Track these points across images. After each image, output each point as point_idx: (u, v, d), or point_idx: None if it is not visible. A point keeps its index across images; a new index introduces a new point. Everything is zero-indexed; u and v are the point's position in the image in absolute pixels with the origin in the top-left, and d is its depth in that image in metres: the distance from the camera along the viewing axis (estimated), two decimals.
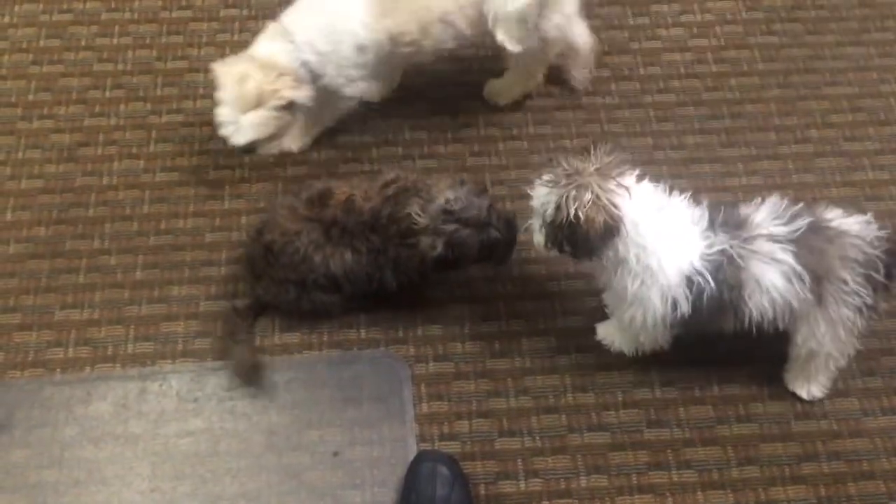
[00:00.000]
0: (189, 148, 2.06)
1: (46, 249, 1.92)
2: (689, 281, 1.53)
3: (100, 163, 2.04)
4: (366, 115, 2.09)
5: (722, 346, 1.74)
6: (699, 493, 1.68)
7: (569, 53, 2.06)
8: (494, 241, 1.71)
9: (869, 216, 1.56)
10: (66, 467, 1.68)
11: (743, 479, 1.69)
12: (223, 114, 1.80)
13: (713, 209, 1.56)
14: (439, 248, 1.66)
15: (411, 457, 1.67)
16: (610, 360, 1.80)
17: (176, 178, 2.02)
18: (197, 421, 1.73)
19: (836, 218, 1.55)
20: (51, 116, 2.11)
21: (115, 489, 1.66)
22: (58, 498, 1.65)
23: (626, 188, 1.49)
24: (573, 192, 1.47)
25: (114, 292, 1.87)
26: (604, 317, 1.80)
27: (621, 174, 1.50)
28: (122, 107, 2.13)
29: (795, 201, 1.57)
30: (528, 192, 1.57)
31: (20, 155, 2.05)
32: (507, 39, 1.87)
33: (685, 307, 1.54)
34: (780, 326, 1.59)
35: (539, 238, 1.58)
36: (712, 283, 1.52)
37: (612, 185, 1.48)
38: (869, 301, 1.53)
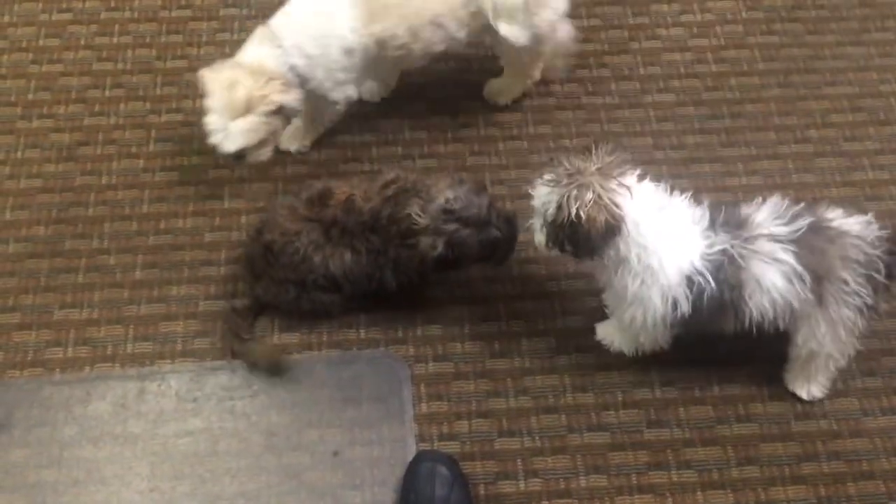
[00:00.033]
0: (188, 147, 2.06)
1: (45, 249, 1.92)
2: (690, 281, 1.52)
3: (99, 162, 2.04)
4: (366, 114, 2.09)
5: (722, 346, 1.74)
6: (699, 493, 1.68)
7: (555, 51, 2.06)
8: (495, 239, 1.70)
9: (870, 216, 1.56)
10: (66, 467, 1.68)
11: (743, 479, 1.69)
12: (212, 121, 1.78)
13: (714, 209, 1.56)
14: (440, 247, 1.66)
15: (411, 457, 1.67)
16: (609, 360, 1.80)
17: (175, 178, 2.02)
18: (196, 421, 1.73)
19: (837, 218, 1.55)
20: (50, 115, 2.11)
21: (114, 489, 1.66)
22: (57, 497, 1.65)
23: (628, 188, 1.49)
24: (574, 192, 1.47)
25: (113, 292, 1.87)
26: (603, 317, 1.80)
27: (623, 174, 1.50)
28: (121, 106, 2.13)
29: (796, 201, 1.57)
30: (530, 191, 1.57)
31: (19, 154, 2.05)
32: (510, 32, 1.86)
33: (685, 307, 1.54)
34: (781, 326, 1.59)
35: (540, 237, 1.58)
36: (713, 283, 1.52)
37: (613, 184, 1.48)
38: (870, 301, 1.53)
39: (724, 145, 2.09)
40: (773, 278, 1.51)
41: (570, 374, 1.79)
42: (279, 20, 1.84)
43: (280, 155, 2.04)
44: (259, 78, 1.76)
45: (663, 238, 1.52)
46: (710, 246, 1.52)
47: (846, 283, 1.51)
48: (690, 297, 1.53)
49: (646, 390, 1.78)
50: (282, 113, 1.82)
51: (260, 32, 1.84)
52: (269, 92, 1.76)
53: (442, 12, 1.84)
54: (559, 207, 1.49)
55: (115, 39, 2.23)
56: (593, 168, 1.49)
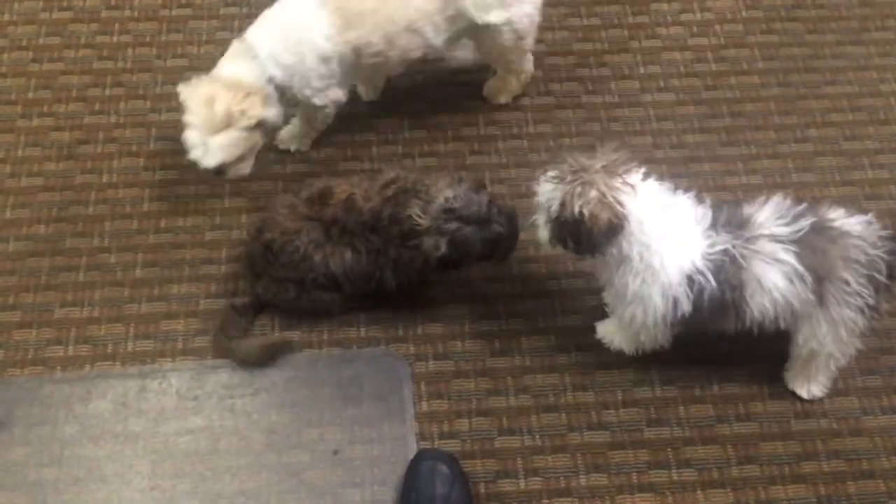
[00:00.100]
0: None
1: (46, 247, 1.92)
2: (691, 280, 1.53)
3: (99, 160, 2.04)
4: (366, 113, 2.09)
5: (722, 345, 1.74)
6: (699, 491, 1.68)
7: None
8: (497, 236, 1.71)
9: (871, 216, 1.56)
10: (66, 465, 1.68)
11: (743, 478, 1.69)
12: (191, 137, 1.77)
13: (716, 208, 1.56)
14: (443, 247, 1.66)
15: (411, 455, 1.67)
16: (610, 359, 1.80)
17: (176, 176, 2.01)
18: (197, 419, 1.73)
19: (839, 218, 1.55)
20: (50, 114, 2.11)
21: (115, 487, 1.66)
22: (58, 496, 1.65)
23: (632, 186, 1.49)
24: (578, 189, 1.47)
25: (114, 290, 1.87)
26: (603, 315, 1.80)
27: (627, 172, 1.50)
28: (121, 105, 2.13)
29: (796, 200, 1.57)
30: (534, 187, 1.57)
31: (20, 153, 2.05)
32: (496, 17, 1.86)
33: (686, 306, 1.54)
34: (782, 326, 1.59)
35: (543, 234, 1.58)
36: (713, 283, 1.52)
37: (617, 182, 1.48)
38: (871, 302, 1.53)
39: (724, 144, 2.09)
40: (774, 278, 1.51)
41: (570, 373, 1.79)
42: (254, 32, 1.83)
43: (280, 154, 2.04)
44: (237, 92, 1.75)
45: (666, 237, 1.52)
46: (712, 246, 1.52)
47: (847, 283, 1.51)
48: (691, 297, 1.54)
49: (646, 389, 1.78)
50: (262, 127, 1.81)
51: (235, 46, 1.83)
52: (249, 107, 1.75)
53: (417, 18, 1.83)
54: (563, 204, 1.49)
55: (115, 38, 2.23)
56: (598, 165, 1.49)
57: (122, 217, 1.96)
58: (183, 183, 2.00)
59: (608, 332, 1.80)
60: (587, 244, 1.52)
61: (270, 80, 1.81)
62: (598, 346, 1.81)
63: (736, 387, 1.78)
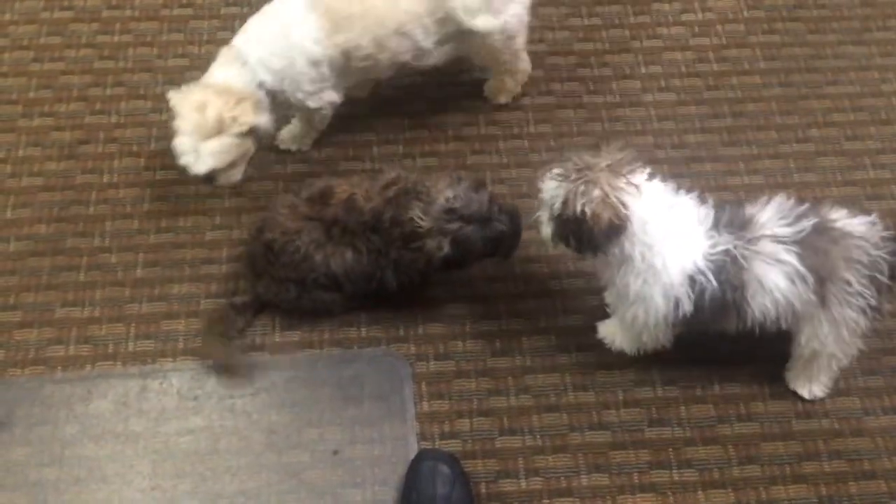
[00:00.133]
0: None
1: (47, 247, 1.92)
2: (692, 280, 1.52)
3: (100, 160, 2.04)
4: (367, 113, 2.09)
5: (723, 345, 1.74)
6: (700, 491, 1.68)
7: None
8: (499, 234, 1.71)
9: (874, 217, 1.56)
10: (67, 465, 1.68)
11: (744, 478, 1.69)
12: (182, 143, 1.75)
13: (719, 208, 1.56)
14: (446, 247, 1.66)
15: (412, 455, 1.67)
16: (611, 359, 1.80)
17: (176, 176, 2.01)
18: (197, 419, 1.73)
19: (842, 219, 1.54)
20: (51, 114, 2.11)
21: (116, 487, 1.66)
22: (58, 496, 1.65)
23: (636, 186, 1.48)
24: (581, 188, 1.47)
25: (114, 290, 1.87)
26: (604, 315, 1.80)
27: (632, 172, 1.50)
28: (122, 104, 2.13)
29: (798, 200, 1.57)
30: (539, 184, 1.57)
31: (21, 152, 2.05)
32: (484, 23, 1.85)
33: (687, 306, 1.54)
34: (783, 326, 1.59)
35: (546, 230, 1.58)
36: (714, 283, 1.52)
37: (621, 182, 1.48)
38: (873, 302, 1.53)
39: (726, 144, 2.09)
40: (775, 279, 1.51)
41: (571, 373, 1.79)
42: (242, 39, 1.82)
43: (281, 153, 2.04)
44: (229, 98, 1.74)
45: (668, 237, 1.52)
46: (714, 246, 1.52)
47: (849, 284, 1.51)
48: (692, 297, 1.53)
49: (647, 389, 1.78)
50: (254, 134, 1.80)
51: (224, 53, 1.82)
52: (240, 113, 1.74)
53: (406, 21, 1.82)
54: (565, 202, 1.49)
55: (116, 38, 2.23)
56: (603, 165, 1.49)
57: (123, 217, 1.96)
58: (183, 183, 2.00)
59: (609, 332, 1.80)
60: (588, 243, 1.51)
61: (261, 85, 1.80)
62: (600, 346, 1.81)
63: (737, 387, 1.78)
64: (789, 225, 1.52)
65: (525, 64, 2.08)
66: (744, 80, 2.19)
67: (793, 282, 1.51)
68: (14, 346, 1.80)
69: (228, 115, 1.73)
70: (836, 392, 1.76)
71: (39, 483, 1.66)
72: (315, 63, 1.82)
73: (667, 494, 1.67)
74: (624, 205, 1.47)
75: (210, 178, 1.80)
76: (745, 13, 2.31)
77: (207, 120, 1.73)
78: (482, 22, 1.86)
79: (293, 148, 2.05)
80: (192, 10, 2.28)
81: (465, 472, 1.66)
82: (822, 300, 1.53)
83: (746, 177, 2.04)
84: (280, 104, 1.86)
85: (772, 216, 1.54)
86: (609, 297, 1.71)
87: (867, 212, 1.58)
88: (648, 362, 1.79)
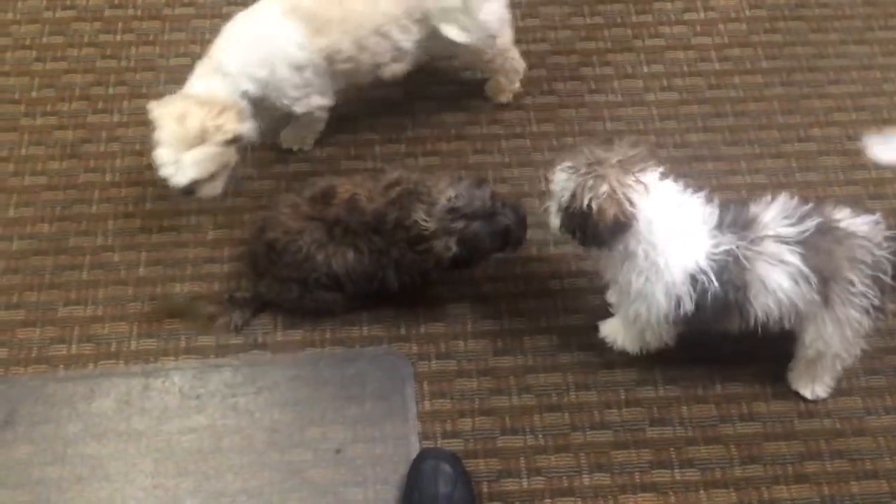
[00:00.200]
0: None
1: (50, 246, 1.92)
2: (694, 279, 1.52)
3: (102, 159, 2.04)
4: (368, 112, 2.09)
5: (726, 344, 1.74)
6: (702, 491, 1.68)
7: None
8: (505, 227, 1.71)
9: (877, 216, 1.56)
10: (70, 464, 1.68)
11: (746, 478, 1.69)
12: (162, 154, 1.72)
13: (723, 208, 1.56)
14: (453, 247, 1.66)
15: (414, 454, 1.67)
16: (612, 359, 1.80)
17: None
18: (200, 418, 1.73)
19: (845, 219, 1.54)
20: (54, 113, 2.11)
21: (118, 485, 1.66)
22: (61, 494, 1.65)
23: (645, 185, 1.48)
24: (590, 182, 1.48)
25: (117, 289, 1.87)
26: (606, 314, 1.80)
27: (643, 170, 1.50)
28: (124, 103, 2.13)
29: (800, 200, 1.57)
30: (550, 175, 1.57)
31: (23, 151, 2.05)
32: (453, 33, 1.86)
33: (689, 305, 1.54)
34: (786, 326, 1.59)
35: (555, 221, 1.58)
36: (716, 283, 1.52)
37: (630, 179, 1.48)
38: (876, 302, 1.53)
39: (728, 144, 2.09)
40: (778, 279, 1.51)
41: (572, 372, 1.79)
42: (220, 49, 1.80)
43: (282, 153, 2.04)
44: (212, 108, 1.72)
45: (672, 237, 1.52)
46: (716, 246, 1.52)
47: (853, 284, 1.51)
48: (694, 296, 1.53)
49: (649, 388, 1.78)
50: (237, 143, 1.78)
51: (203, 65, 1.80)
52: (225, 121, 1.72)
53: (384, 22, 1.82)
54: (573, 195, 1.49)
55: (118, 37, 2.23)
56: (614, 160, 1.49)
57: (126, 216, 1.96)
58: None
59: (611, 331, 1.80)
60: (593, 238, 1.52)
61: (244, 94, 1.78)
62: (601, 346, 1.81)
63: (739, 386, 1.78)
64: (793, 225, 1.52)
65: (516, 63, 2.06)
66: (746, 80, 2.19)
67: (796, 282, 1.51)
68: (17, 344, 1.80)
69: (212, 124, 1.71)
70: (838, 392, 1.76)
71: (42, 481, 1.66)
72: (299, 68, 1.81)
73: (668, 494, 1.67)
74: (631, 202, 1.47)
75: (190, 190, 1.76)
76: (748, 12, 2.31)
77: (188, 130, 1.70)
78: (455, 34, 1.86)
79: (295, 147, 2.05)
80: (194, 9, 2.28)
81: (467, 471, 1.66)
82: (826, 300, 1.52)
83: (748, 176, 2.03)
84: (265, 110, 1.85)
85: (775, 216, 1.54)
86: (612, 294, 1.71)
87: (870, 211, 1.58)
88: (650, 362, 1.79)
